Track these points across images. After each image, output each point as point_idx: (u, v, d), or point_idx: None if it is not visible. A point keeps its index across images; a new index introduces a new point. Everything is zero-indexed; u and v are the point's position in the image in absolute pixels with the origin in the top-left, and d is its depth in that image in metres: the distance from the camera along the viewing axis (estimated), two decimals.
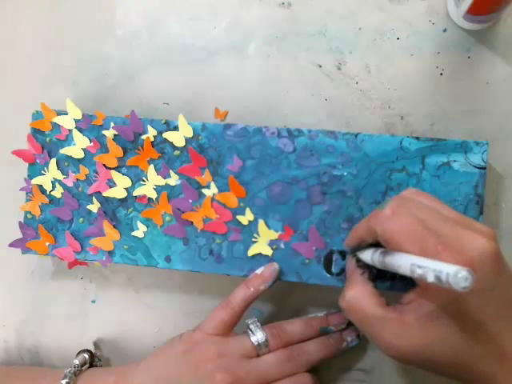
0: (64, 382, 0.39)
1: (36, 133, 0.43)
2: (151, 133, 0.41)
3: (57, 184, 0.43)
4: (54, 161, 0.42)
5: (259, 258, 0.40)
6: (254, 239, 0.40)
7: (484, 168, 0.38)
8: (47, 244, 0.42)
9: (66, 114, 0.42)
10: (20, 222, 0.43)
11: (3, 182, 0.47)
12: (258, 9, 0.44)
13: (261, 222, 0.40)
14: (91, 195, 0.42)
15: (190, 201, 0.41)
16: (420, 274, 0.27)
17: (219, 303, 0.39)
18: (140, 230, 0.41)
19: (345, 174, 0.39)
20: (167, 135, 0.41)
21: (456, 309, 0.28)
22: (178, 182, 0.41)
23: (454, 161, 0.38)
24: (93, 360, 0.43)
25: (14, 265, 0.46)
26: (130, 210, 0.42)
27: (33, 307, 0.47)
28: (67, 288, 0.46)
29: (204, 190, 0.41)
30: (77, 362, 0.41)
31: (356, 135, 0.39)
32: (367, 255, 0.34)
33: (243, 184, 0.40)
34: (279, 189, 0.40)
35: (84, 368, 0.41)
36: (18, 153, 0.43)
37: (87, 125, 0.42)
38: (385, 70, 0.42)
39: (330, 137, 0.40)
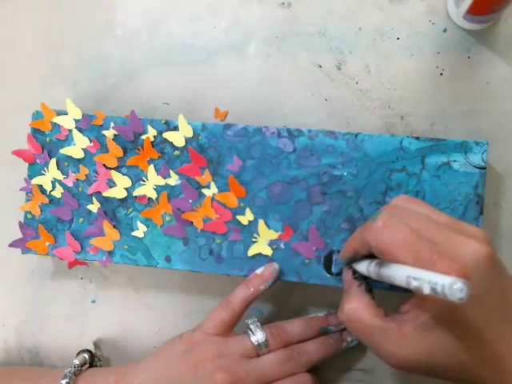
0: (64, 381, 0.39)
1: (36, 133, 0.43)
2: (151, 133, 0.41)
3: (57, 184, 0.43)
4: (54, 161, 0.42)
5: (259, 258, 0.40)
6: (254, 239, 0.40)
7: (484, 168, 0.38)
8: (47, 244, 0.42)
9: (66, 113, 0.42)
10: (20, 222, 0.43)
11: (3, 182, 0.47)
12: (258, 9, 0.44)
13: (261, 222, 0.40)
14: (91, 195, 0.42)
15: (190, 201, 0.41)
16: (416, 286, 0.27)
17: (219, 303, 0.39)
18: (140, 230, 0.41)
19: (345, 174, 0.39)
20: (167, 135, 0.41)
21: (453, 317, 0.28)
22: (178, 182, 0.41)
23: (454, 161, 0.38)
24: (93, 360, 0.43)
25: (14, 265, 0.46)
26: (130, 209, 0.42)
27: (33, 307, 0.47)
28: (67, 288, 0.46)
29: (204, 190, 0.41)
30: (77, 361, 0.41)
31: (356, 135, 0.39)
32: (363, 267, 0.34)
33: (243, 184, 0.40)
34: (279, 189, 0.40)
35: (84, 368, 0.41)
36: (18, 153, 0.43)
37: (87, 125, 0.42)
38: (385, 70, 0.42)
39: (330, 137, 0.40)
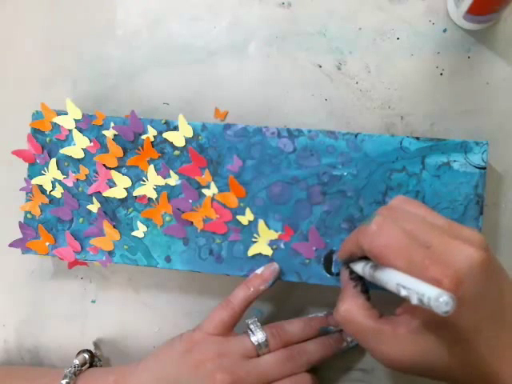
0: (64, 381, 0.39)
1: (36, 133, 0.43)
2: (151, 133, 0.41)
3: (57, 184, 0.43)
4: (53, 161, 0.42)
5: (259, 258, 0.40)
6: (254, 239, 0.40)
7: (484, 168, 0.38)
8: (47, 244, 0.42)
9: (66, 113, 0.42)
10: (20, 222, 0.43)
11: (3, 182, 0.47)
12: (258, 9, 0.44)
13: (261, 222, 0.40)
14: (91, 195, 0.42)
15: (190, 201, 0.41)
16: (405, 295, 0.27)
17: (219, 303, 0.39)
18: (140, 230, 0.41)
19: (345, 173, 0.39)
20: (167, 135, 0.41)
21: (445, 321, 0.28)
22: (178, 182, 0.41)
23: (454, 161, 0.38)
24: (93, 360, 0.43)
25: (13, 265, 0.46)
26: (130, 210, 0.42)
27: (33, 307, 0.47)
28: (67, 288, 0.46)
29: (204, 190, 0.41)
30: (77, 361, 0.41)
31: (356, 135, 0.39)
32: (359, 267, 0.34)
33: (243, 184, 0.40)
34: (279, 189, 0.40)
35: (84, 368, 0.41)
36: (18, 153, 0.43)
37: (87, 125, 0.42)
38: (385, 70, 0.42)
39: (330, 137, 0.40)
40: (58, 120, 0.42)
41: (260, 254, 0.40)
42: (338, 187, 0.39)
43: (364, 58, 0.42)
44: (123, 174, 0.42)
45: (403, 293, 0.27)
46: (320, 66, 0.43)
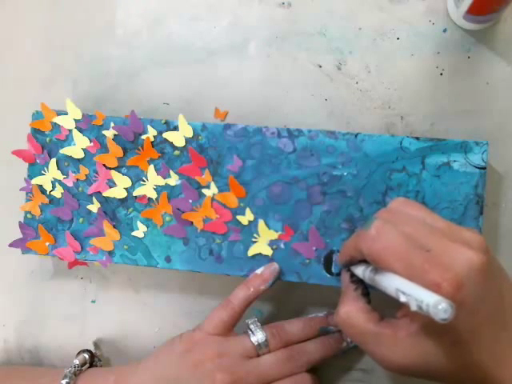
0: (64, 381, 0.39)
1: (36, 133, 0.43)
2: (151, 133, 0.41)
3: (57, 184, 0.43)
4: (53, 161, 0.42)
5: (259, 258, 0.40)
6: (254, 239, 0.40)
7: (484, 168, 0.38)
8: (47, 244, 0.42)
9: (66, 113, 0.42)
10: (20, 222, 0.43)
11: (3, 182, 0.47)
12: (258, 9, 0.44)
13: (261, 222, 0.40)
14: (91, 195, 0.42)
15: (190, 201, 0.41)
16: (404, 301, 0.27)
17: (219, 303, 0.39)
18: (140, 230, 0.41)
19: (345, 174, 0.39)
20: (167, 135, 0.41)
21: (446, 324, 0.28)
22: (178, 182, 0.41)
23: (454, 161, 0.38)
24: (93, 360, 0.43)
25: (13, 265, 0.46)
26: (130, 210, 0.42)
27: (33, 307, 0.47)
28: (67, 288, 0.46)
29: (204, 190, 0.41)
30: (77, 361, 0.41)
31: (356, 135, 0.39)
32: (359, 271, 0.34)
33: (243, 184, 0.40)
34: (279, 189, 0.40)
35: (84, 368, 0.41)
36: (18, 153, 0.43)
37: (87, 125, 0.42)
38: (385, 70, 0.42)
39: (330, 137, 0.40)
40: (58, 120, 0.42)
41: (260, 254, 0.40)
42: (338, 187, 0.39)
43: (364, 57, 0.42)
44: (123, 174, 0.42)
45: (402, 299, 0.27)
46: (320, 66, 0.43)
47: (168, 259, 0.41)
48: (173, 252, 0.41)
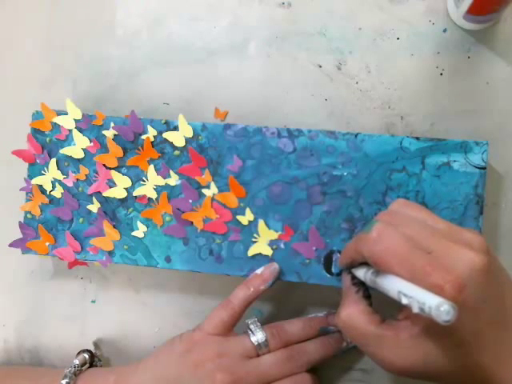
0: (64, 381, 0.39)
1: (36, 133, 0.43)
2: (151, 133, 0.41)
3: (57, 184, 0.43)
4: (53, 161, 0.42)
5: (259, 258, 0.40)
6: (254, 239, 0.40)
7: (484, 168, 0.38)
8: (47, 244, 0.42)
9: (66, 113, 0.42)
10: (20, 222, 0.43)
11: (3, 182, 0.47)
12: (258, 9, 0.44)
13: (261, 222, 0.40)
14: (91, 195, 0.42)
15: (190, 201, 0.41)
16: (406, 303, 0.27)
17: (219, 303, 0.39)
18: (140, 230, 0.41)
19: (345, 174, 0.39)
20: (167, 135, 0.41)
21: (448, 325, 0.28)
22: (178, 182, 0.41)
23: (454, 161, 0.38)
24: (93, 360, 0.43)
25: (14, 265, 0.46)
26: (130, 210, 0.42)
27: (33, 307, 0.47)
28: (67, 288, 0.46)
29: (204, 190, 0.41)
30: (77, 361, 0.41)
31: (356, 135, 0.39)
32: (361, 273, 0.34)
33: (243, 184, 0.40)
34: (279, 189, 0.40)
35: (84, 368, 0.41)
36: (18, 153, 0.43)
37: (87, 125, 0.42)
38: (385, 70, 0.42)
39: (330, 137, 0.40)
40: (58, 120, 0.42)
41: (260, 254, 0.40)
42: (338, 187, 0.39)
43: (364, 58, 0.42)
44: (123, 174, 0.42)
45: (404, 301, 0.27)
46: (320, 66, 0.43)
47: (168, 259, 0.41)
48: (173, 252, 0.41)
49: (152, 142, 0.41)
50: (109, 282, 0.46)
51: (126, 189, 0.42)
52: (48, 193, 0.43)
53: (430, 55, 0.42)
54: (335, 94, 0.43)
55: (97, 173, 0.42)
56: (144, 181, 0.41)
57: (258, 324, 0.38)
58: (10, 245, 0.43)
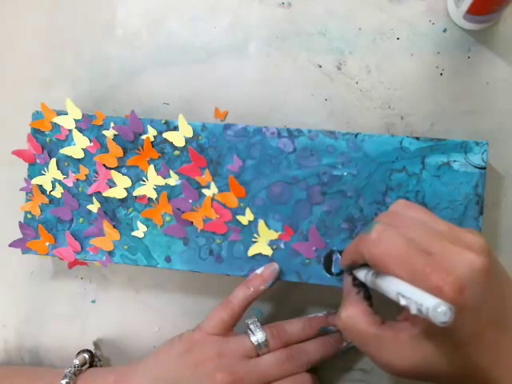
0: (64, 381, 0.39)
1: (36, 133, 0.43)
2: (151, 133, 0.41)
3: (57, 184, 0.43)
4: (54, 161, 0.42)
5: (259, 258, 0.40)
6: (254, 239, 0.40)
7: (484, 168, 0.38)
8: (47, 244, 0.42)
9: (66, 113, 0.42)
10: (20, 222, 0.43)
11: (3, 182, 0.47)
12: (258, 9, 0.44)
13: (261, 222, 0.40)
14: (91, 195, 0.42)
15: (190, 201, 0.41)
16: (404, 305, 0.27)
17: (219, 303, 0.39)
18: (140, 230, 0.41)
19: (345, 174, 0.39)
20: (167, 135, 0.41)
21: (448, 327, 0.28)
22: (178, 182, 0.41)
23: (454, 161, 0.38)
24: (93, 360, 0.43)
25: (14, 265, 0.46)
26: (130, 210, 0.42)
27: (33, 307, 0.47)
28: (67, 288, 0.46)
29: (204, 190, 0.41)
30: (77, 361, 0.41)
31: (356, 135, 0.39)
32: (362, 274, 0.34)
33: (243, 184, 0.40)
34: (279, 189, 0.40)
35: (84, 368, 0.41)
36: (18, 153, 0.43)
37: (87, 125, 0.42)
38: (385, 69, 0.42)
39: (330, 137, 0.40)
40: (58, 120, 0.42)
41: (260, 254, 0.40)
42: (338, 187, 0.39)
43: (364, 58, 0.42)
44: (123, 174, 0.42)
45: (403, 302, 0.27)
46: (320, 66, 0.43)
47: (168, 259, 0.41)
48: (173, 252, 0.41)
49: (152, 142, 0.41)
50: (109, 282, 0.46)
51: (126, 189, 0.42)
52: (48, 193, 0.43)
53: (430, 55, 0.42)
54: (335, 93, 0.43)
55: (97, 173, 0.42)
56: (144, 181, 0.41)
57: (258, 324, 0.38)
58: (10, 245, 0.43)
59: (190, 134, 0.41)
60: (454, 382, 0.30)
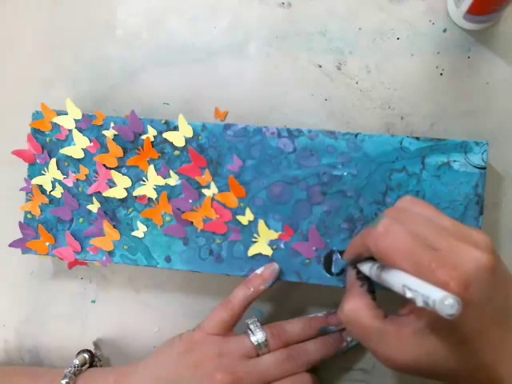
0: (64, 381, 0.39)
1: (36, 133, 0.43)
2: (151, 133, 0.41)
3: (57, 184, 0.43)
4: (54, 161, 0.42)
5: (259, 258, 0.40)
6: (254, 239, 0.40)
7: (484, 168, 0.38)
8: (47, 244, 0.42)
9: (66, 113, 0.42)
10: (20, 222, 0.43)
11: (3, 182, 0.47)
12: (258, 9, 0.44)
13: (261, 222, 0.40)
14: (91, 195, 0.42)
15: (190, 201, 0.41)
16: (410, 297, 0.27)
17: (219, 303, 0.39)
18: (140, 230, 0.41)
19: (345, 174, 0.39)
20: (167, 135, 0.41)
21: (451, 323, 0.28)
22: (178, 182, 0.41)
23: (454, 161, 0.38)
24: (93, 360, 0.43)
25: (14, 265, 0.46)
26: (130, 210, 0.42)
27: (33, 307, 0.47)
28: (67, 288, 0.46)
29: (204, 190, 0.41)
30: (77, 361, 0.41)
31: (356, 135, 0.39)
32: (366, 268, 0.34)
33: (243, 184, 0.40)
34: (279, 189, 0.40)
35: (84, 368, 0.41)
36: (18, 153, 0.43)
37: (87, 125, 0.42)
38: (385, 69, 0.42)
39: (330, 137, 0.40)
40: (58, 120, 0.42)
41: (260, 254, 0.40)
42: (338, 187, 0.39)
43: (364, 58, 0.42)
44: (123, 174, 0.42)
45: (409, 294, 0.27)
46: (320, 66, 0.43)
47: (168, 259, 0.41)
48: (173, 252, 0.41)
49: (152, 142, 0.41)
50: (109, 282, 0.46)
51: (126, 189, 0.42)
52: (48, 193, 0.43)
53: (430, 55, 0.42)
54: (335, 94, 0.43)
55: (97, 173, 0.42)
56: (144, 181, 0.41)
57: (258, 324, 0.38)
58: (10, 245, 0.43)
59: (189, 134, 0.41)
60: (456, 378, 0.30)
